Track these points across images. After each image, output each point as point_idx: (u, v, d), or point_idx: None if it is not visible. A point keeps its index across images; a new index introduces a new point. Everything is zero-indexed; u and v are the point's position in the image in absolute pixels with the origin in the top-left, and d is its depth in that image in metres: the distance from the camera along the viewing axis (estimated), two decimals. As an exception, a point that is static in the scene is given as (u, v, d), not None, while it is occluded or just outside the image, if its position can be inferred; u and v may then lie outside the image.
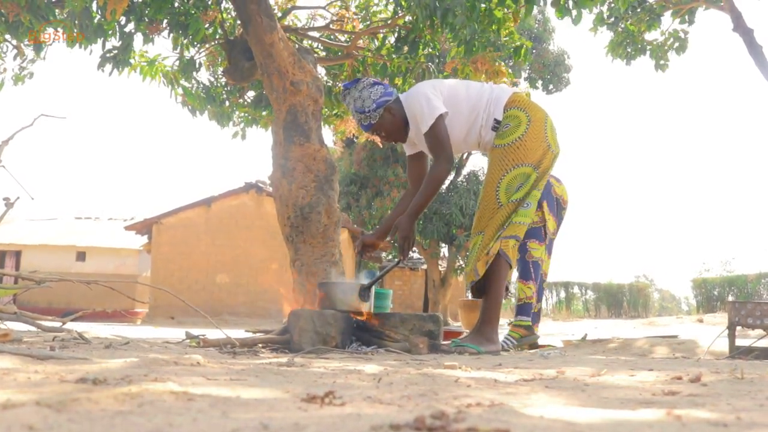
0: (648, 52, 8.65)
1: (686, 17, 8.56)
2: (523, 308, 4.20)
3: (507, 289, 3.31)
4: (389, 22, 5.70)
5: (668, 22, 8.65)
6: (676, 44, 8.62)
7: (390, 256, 21.04)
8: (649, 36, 8.66)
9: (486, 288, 3.18)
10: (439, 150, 3.06)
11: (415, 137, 3.23)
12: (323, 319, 2.87)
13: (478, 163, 20.50)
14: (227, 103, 6.13)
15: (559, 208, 4.50)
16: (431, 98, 3.07)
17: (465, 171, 20.28)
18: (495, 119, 3.16)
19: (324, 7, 6.15)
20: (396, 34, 5.74)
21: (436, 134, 3.05)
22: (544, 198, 4.36)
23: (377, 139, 6.28)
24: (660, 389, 1.45)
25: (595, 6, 5.19)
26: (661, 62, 8.66)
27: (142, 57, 5.71)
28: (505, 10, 4.94)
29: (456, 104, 3.14)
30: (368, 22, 6.02)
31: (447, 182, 19.61)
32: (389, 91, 3.17)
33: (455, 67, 5.50)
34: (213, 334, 3.58)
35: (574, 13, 4.65)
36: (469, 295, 3.57)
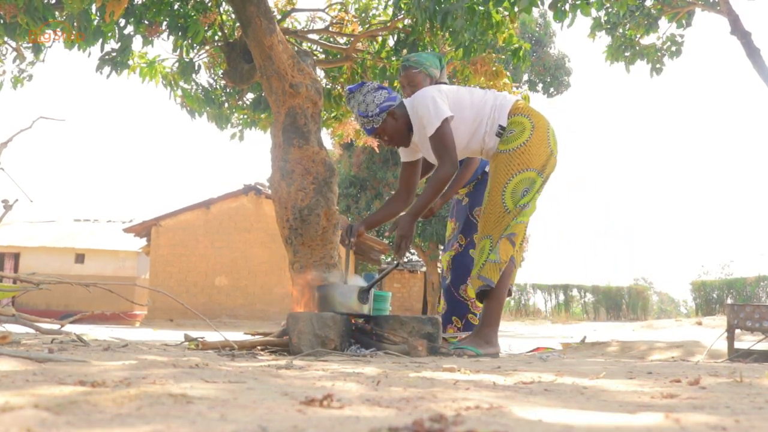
0: (645, 57, 8.66)
1: (683, 21, 8.57)
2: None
3: (510, 291, 3.30)
4: (388, 24, 5.70)
5: (665, 26, 8.67)
6: (673, 48, 8.64)
7: (389, 259, 21.03)
8: (646, 40, 8.67)
9: (488, 290, 3.17)
10: (443, 153, 3.07)
11: (418, 141, 3.24)
12: (322, 321, 2.87)
13: (477, 165, 20.52)
14: (226, 105, 6.13)
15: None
16: (438, 101, 3.07)
17: (464, 173, 20.27)
18: (500, 125, 3.17)
19: (323, 10, 6.16)
20: (395, 37, 5.74)
21: (442, 137, 3.06)
22: None
23: (375, 144, 6.28)
24: (659, 392, 1.45)
25: (592, 9, 5.16)
26: (657, 66, 8.67)
27: (142, 58, 5.71)
28: (504, 13, 4.94)
29: (460, 110, 3.15)
30: (367, 25, 6.02)
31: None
32: (393, 96, 3.18)
33: (454, 68, 5.50)
34: (212, 336, 3.58)
35: (571, 15, 4.64)
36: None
